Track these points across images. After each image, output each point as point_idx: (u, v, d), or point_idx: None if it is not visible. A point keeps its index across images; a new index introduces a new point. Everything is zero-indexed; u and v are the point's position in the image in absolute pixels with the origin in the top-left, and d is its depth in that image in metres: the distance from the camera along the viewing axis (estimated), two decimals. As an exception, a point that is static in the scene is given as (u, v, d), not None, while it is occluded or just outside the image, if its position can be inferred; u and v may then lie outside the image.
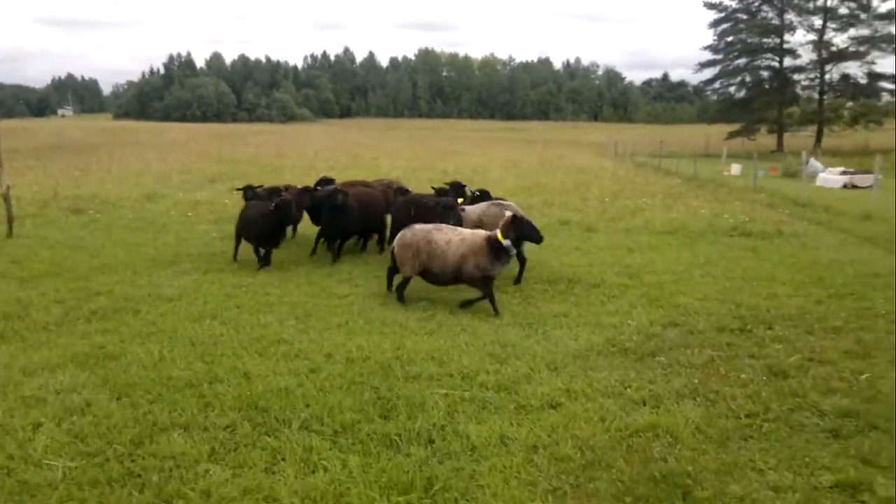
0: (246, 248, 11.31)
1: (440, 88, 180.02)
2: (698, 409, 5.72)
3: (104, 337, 7.31)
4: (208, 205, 17.94)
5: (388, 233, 12.93)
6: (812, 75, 62.27)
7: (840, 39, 60.39)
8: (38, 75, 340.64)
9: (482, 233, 8.83)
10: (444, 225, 9.16)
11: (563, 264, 11.40)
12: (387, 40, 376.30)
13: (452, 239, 8.65)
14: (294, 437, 5.06)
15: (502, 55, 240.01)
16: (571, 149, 57.64)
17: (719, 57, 67.23)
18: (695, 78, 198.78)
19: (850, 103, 60.67)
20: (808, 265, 11.66)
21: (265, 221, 10.65)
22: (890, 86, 59.50)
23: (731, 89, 69.49)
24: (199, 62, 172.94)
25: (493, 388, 6.08)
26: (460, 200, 11.27)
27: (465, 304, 8.76)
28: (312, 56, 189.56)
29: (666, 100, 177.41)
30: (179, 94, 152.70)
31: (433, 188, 12.72)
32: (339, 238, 11.73)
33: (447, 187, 12.59)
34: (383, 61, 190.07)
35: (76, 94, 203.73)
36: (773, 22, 63.50)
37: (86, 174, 25.07)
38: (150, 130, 79.75)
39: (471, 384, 6.17)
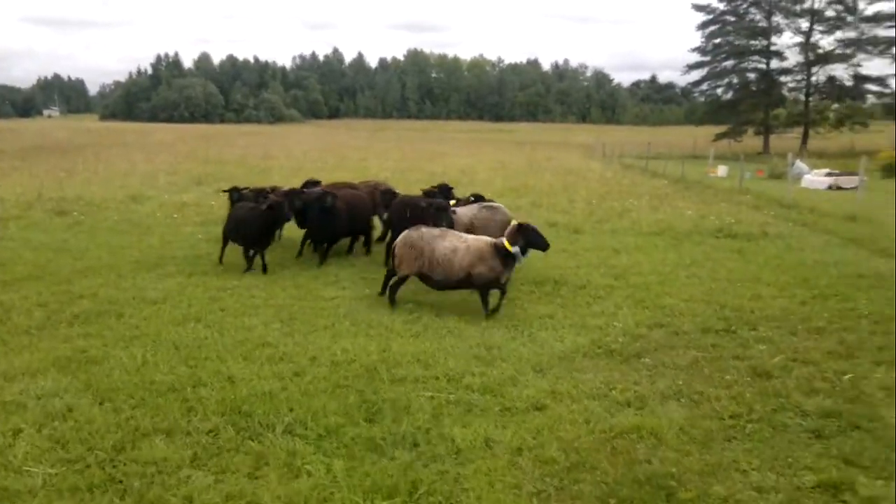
0: (231, 251, 11.25)
1: (429, 89, 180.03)
2: (682, 411, 5.74)
3: (87, 341, 7.25)
4: (194, 206, 17.84)
5: (375, 234, 12.96)
6: (798, 77, 62.91)
7: (826, 42, 61.14)
8: (23, 75, 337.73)
9: (486, 239, 8.83)
10: (448, 231, 9.12)
11: (549, 266, 11.41)
12: (376, 41, 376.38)
13: (459, 247, 8.58)
14: (278, 442, 5.02)
15: (491, 56, 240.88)
16: (559, 150, 57.75)
17: (707, 59, 67.74)
18: (682, 80, 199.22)
19: (835, 105, 61.19)
20: (793, 266, 11.73)
21: (257, 222, 10.56)
22: (875, 88, 60.05)
23: (719, 91, 70.13)
24: (187, 62, 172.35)
25: (478, 391, 6.07)
26: (452, 203, 11.25)
27: (492, 311, 8.63)
28: (301, 56, 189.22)
29: (654, 101, 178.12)
30: (167, 95, 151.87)
31: (423, 191, 12.72)
32: (327, 241, 11.69)
33: (436, 189, 12.59)
34: (372, 62, 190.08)
35: (62, 94, 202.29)
36: (760, 24, 64.02)
37: (71, 175, 24.88)
38: (137, 131, 79.33)
39: (456, 387, 6.17)
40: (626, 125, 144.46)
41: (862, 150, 43.66)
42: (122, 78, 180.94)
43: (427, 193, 12.34)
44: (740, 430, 5.39)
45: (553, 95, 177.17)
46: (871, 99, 61.52)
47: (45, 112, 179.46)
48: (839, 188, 27.83)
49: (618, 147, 52.80)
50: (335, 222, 11.37)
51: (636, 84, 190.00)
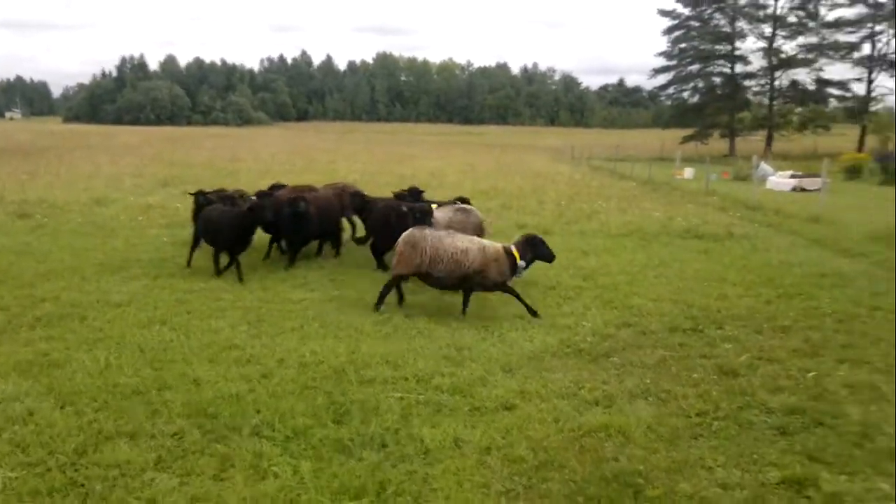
0: (198, 253, 11.11)
1: (398, 92, 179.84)
2: (650, 409, 5.78)
3: (49, 344, 7.10)
4: (160, 209, 17.58)
5: (345, 237, 12.89)
6: (762, 81, 64.02)
7: (789, 47, 62.30)
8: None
9: (498, 244, 8.85)
10: (455, 232, 9.11)
11: (519, 267, 11.41)
12: (345, 44, 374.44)
13: (470, 248, 8.57)
14: (244, 444, 4.96)
15: (461, 60, 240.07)
16: (529, 153, 58.03)
17: (673, 63, 68.66)
18: (650, 83, 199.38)
19: (798, 109, 62.33)
20: (759, 266, 11.90)
21: (236, 225, 10.33)
22: (837, 92, 61.29)
23: (685, 95, 71.19)
24: (153, 65, 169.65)
25: (448, 391, 6.06)
26: (434, 206, 11.24)
27: (532, 312, 8.60)
28: (269, 59, 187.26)
29: (621, 105, 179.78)
30: (132, 97, 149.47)
31: (393, 193, 12.69)
32: (298, 244, 11.61)
33: (405, 192, 12.57)
34: (341, 65, 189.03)
35: (25, 96, 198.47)
36: (724, 29, 65.01)
37: (33, 178, 24.37)
38: (101, 134, 78.00)
39: (426, 387, 6.15)
40: (595, 128, 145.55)
41: (825, 152, 44.60)
42: (86, 80, 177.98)
43: (397, 196, 12.34)
44: (706, 428, 5.44)
45: (522, 99, 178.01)
46: (833, 102, 62.72)
47: (7, 114, 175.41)
48: (803, 190, 28.28)
49: (586, 150, 53.25)
50: (308, 226, 11.29)
51: (604, 88, 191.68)
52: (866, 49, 57.72)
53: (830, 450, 5.06)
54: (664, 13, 67.52)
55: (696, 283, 10.55)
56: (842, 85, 60.59)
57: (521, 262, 8.61)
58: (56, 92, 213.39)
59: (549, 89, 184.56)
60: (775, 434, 5.36)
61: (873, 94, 58.25)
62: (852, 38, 57.94)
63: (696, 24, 66.79)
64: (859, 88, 59.02)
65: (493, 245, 8.77)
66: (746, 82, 65.54)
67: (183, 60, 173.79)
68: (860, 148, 52.06)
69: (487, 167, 36.53)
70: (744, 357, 7.05)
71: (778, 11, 60.87)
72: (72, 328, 7.68)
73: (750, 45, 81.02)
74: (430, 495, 4.42)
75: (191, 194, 12.29)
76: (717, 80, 67.27)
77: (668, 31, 68.09)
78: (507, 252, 8.64)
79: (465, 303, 8.78)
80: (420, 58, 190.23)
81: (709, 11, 65.23)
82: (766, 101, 63.65)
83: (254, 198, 11.83)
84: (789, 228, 16.51)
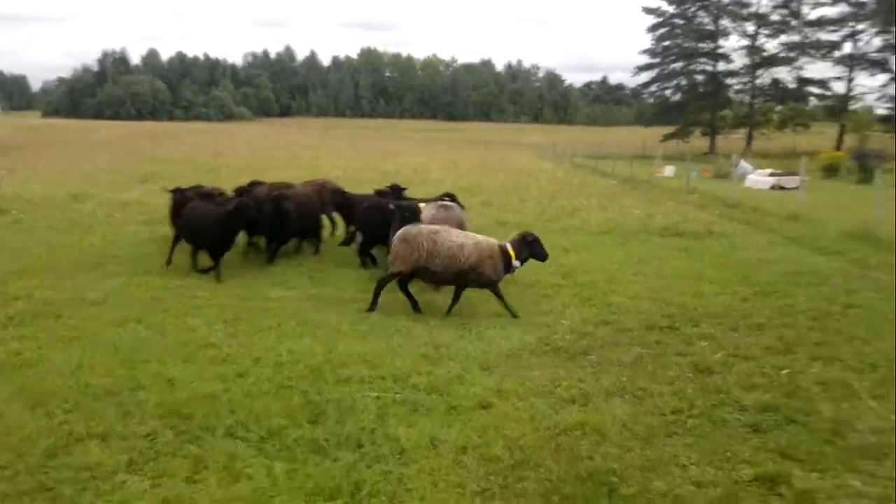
0: (178, 250, 11.03)
1: (383, 88, 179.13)
2: (626, 407, 5.80)
3: (21, 343, 7.00)
4: (138, 205, 17.43)
5: (324, 234, 12.84)
6: (744, 80, 64.63)
7: (771, 45, 62.92)
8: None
9: (493, 240, 8.88)
10: (450, 228, 9.10)
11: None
12: (329, 39, 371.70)
13: (466, 243, 8.60)
14: (218, 445, 4.92)
15: (445, 56, 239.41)
16: (512, 150, 58.14)
17: (657, 61, 69.09)
18: (633, 81, 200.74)
19: (779, 107, 62.98)
20: (736, 264, 11.98)
21: (222, 224, 10.14)
22: (817, 90, 61.84)
23: (667, 92, 71.63)
24: (135, 59, 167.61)
25: (424, 390, 6.04)
26: (422, 205, 11.20)
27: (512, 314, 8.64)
28: (252, 54, 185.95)
29: (605, 102, 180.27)
30: (113, 92, 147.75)
31: (375, 191, 12.65)
32: (278, 242, 11.55)
33: (387, 189, 12.53)
34: (325, 60, 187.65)
35: (3, 90, 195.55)
36: (707, 27, 65.55)
37: (11, 173, 24.04)
38: (81, 128, 77.10)
39: (403, 386, 6.13)
40: (578, 125, 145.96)
41: (803, 150, 45.00)
42: (67, 74, 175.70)
43: (379, 193, 12.29)
44: (681, 426, 5.47)
45: (506, 95, 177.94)
46: (813, 101, 63.34)
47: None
48: (781, 188, 28.53)
49: (569, 147, 53.38)
50: (290, 224, 11.22)
51: (588, 85, 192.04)
52: (847, 48, 58.41)
53: (803, 447, 5.09)
54: (649, 11, 68.01)
55: (675, 281, 10.60)
56: (822, 83, 61.27)
57: (515, 262, 8.67)
58: (35, 86, 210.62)
59: (532, 86, 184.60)
60: (749, 431, 5.39)
61: (853, 93, 58.93)
62: (834, 37, 58.58)
63: (680, 21, 67.31)
64: (839, 87, 59.74)
65: (487, 241, 8.80)
66: (728, 80, 66.13)
67: (165, 55, 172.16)
68: (838, 146, 52.64)
69: (471, 164, 36.56)
70: (719, 355, 7.08)
71: (761, 9, 61.52)
72: (45, 327, 7.59)
73: (733, 43, 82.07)
74: (406, 496, 4.41)
75: (169, 191, 12.18)
76: (700, 77, 67.82)
77: (653, 28, 68.61)
78: (503, 249, 8.67)
79: (454, 301, 8.78)
80: (405, 53, 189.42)
81: (693, 9, 65.80)
82: (747, 99, 64.25)
83: (232, 194, 11.74)
84: (768, 226, 16.64)
